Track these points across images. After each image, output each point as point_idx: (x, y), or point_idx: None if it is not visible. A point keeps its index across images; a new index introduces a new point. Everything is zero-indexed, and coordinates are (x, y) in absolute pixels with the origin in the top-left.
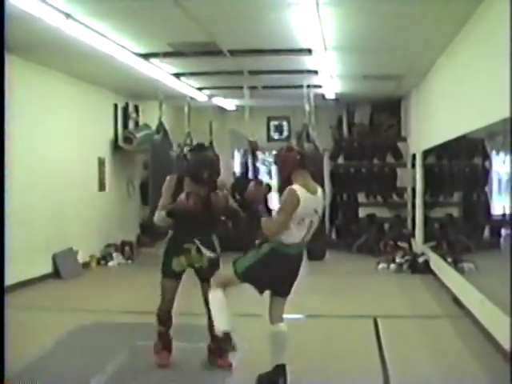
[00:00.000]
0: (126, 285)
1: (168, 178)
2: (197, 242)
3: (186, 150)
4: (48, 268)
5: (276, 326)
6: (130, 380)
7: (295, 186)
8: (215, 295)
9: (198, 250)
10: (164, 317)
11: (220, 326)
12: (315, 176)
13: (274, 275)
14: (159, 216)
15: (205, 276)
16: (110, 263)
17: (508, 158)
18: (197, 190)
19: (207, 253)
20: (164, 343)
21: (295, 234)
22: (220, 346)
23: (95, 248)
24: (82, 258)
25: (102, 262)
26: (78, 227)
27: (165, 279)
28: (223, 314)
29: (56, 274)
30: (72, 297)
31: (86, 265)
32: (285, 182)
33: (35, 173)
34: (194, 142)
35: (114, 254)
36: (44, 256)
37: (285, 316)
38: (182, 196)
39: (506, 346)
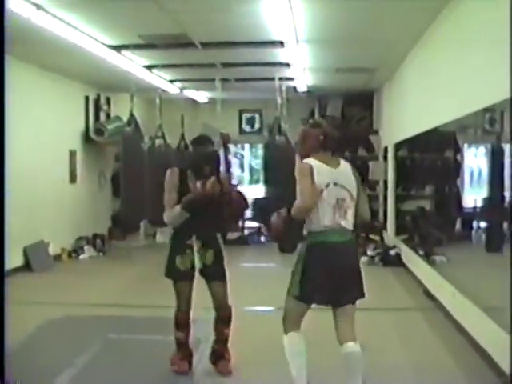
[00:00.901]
0: (98, 278)
1: (168, 172)
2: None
3: (188, 142)
4: (19, 261)
5: (346, 347)
6: (102, 373)
7: (306, 160)
8: (287, 341)
9: (202, 246)
10: (181, 322)
11: (296, 382)
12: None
13: (328, 276)
14: (173, 213)
15: (210, 274)
16: (82, 256)
17: (479, 150)
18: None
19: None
20: (183, 352)
21: (322, 215)
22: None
23: (66, 241)
24: (53, 250)
25: (74, 254)
26: (49, 220)
27: (174, 282)
28: (299, 366)
29: (27, 266)
30: (43, 290)
31: (57, 257)
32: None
33: (6, 165)
34: (166, 135)
35: (86, 247)
36: (15, 249)
37: (255, 309)
38: (198, 185)
39: (477, 338)
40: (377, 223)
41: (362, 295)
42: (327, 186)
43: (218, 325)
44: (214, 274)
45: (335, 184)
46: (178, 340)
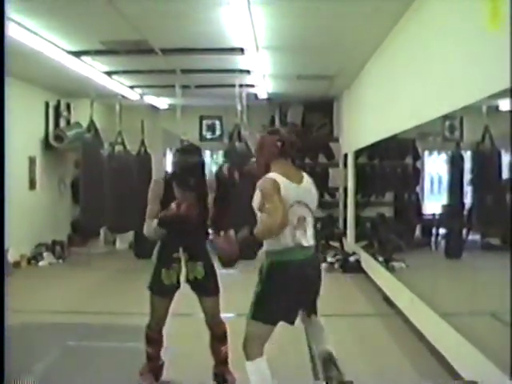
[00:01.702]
0: (57, 285)
1: (152, 182)
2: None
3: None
4: None
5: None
6: (61, 381)
7: (271, 174)
8: (253, 368)
9: (190, 258)
10: (153, 336)
11: None
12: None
13: (291, 295)
14: (149, 226)
15: (202, 289)
16: (41, 263)
17: (439, 157)
18: (186, 195)
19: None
20: (151, 366)
21: (283, 235)
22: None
23: (26, 247)
24: (12, 257)
25: (33, 261)
26: (8, 226)
27: (153, 296)
28: None
29: None
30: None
31: (16, 264)
32: (261, 173)
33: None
34: (126, 141)
35: (45, 254)
36: None
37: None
38: (173, 205)
39: (435, 343)
40: (337, 230)
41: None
42: (291, 206)
43: (213, 344)
44: (206, 289)
45: (298, 202)
46: (148, 354)
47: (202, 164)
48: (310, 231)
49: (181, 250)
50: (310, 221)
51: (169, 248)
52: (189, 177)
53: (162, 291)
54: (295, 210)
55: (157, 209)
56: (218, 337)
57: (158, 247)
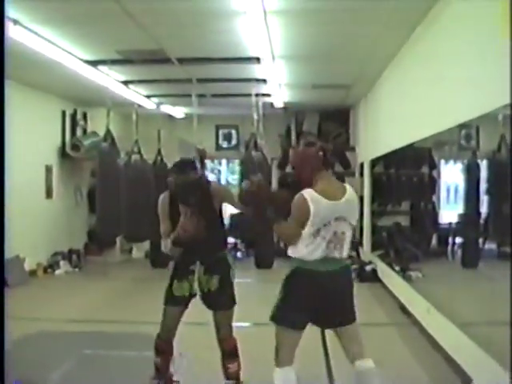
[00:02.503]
0: (73, 293)
1: (160, 198)
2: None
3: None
4: None
5: (357, 365)
6: None
7: (307, 191)
8: (278, 377)
9: (206, 271)
10: (160, 348)
11: None
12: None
13: (309, 301)
14: (166, 245)
15: (214, 302)
16: (57, 271)
17: (455, 166)
18: (189, 211)
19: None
20: (159, 376)
21: (315, 249)
22: None
23: (42, 256)
24: (28, 265)
25: (49, 270)
26: (24, 235)
27: (165, 305)
28: None
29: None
30: (18, 305)
31: (32, 273)
32: (304, 185)
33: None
34: (142, 150)
35: (62, 262)
36: None
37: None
38: (179, 227)
39: (452, 353)
40: (353, 239)
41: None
42: (326, 224)
43: (223, 360)
44: (218, 303)
45: (336, 219)
46: (156, 364)
47: (197, 178)
48: (346, 245)
49: (198, 262)
50: (348, 235)
51: (186, 260)
52: (186, 194)
53: (172, 301)
54: (330, 227)
55: (167, 226)
56: (227, 353)
57: (176, 258)
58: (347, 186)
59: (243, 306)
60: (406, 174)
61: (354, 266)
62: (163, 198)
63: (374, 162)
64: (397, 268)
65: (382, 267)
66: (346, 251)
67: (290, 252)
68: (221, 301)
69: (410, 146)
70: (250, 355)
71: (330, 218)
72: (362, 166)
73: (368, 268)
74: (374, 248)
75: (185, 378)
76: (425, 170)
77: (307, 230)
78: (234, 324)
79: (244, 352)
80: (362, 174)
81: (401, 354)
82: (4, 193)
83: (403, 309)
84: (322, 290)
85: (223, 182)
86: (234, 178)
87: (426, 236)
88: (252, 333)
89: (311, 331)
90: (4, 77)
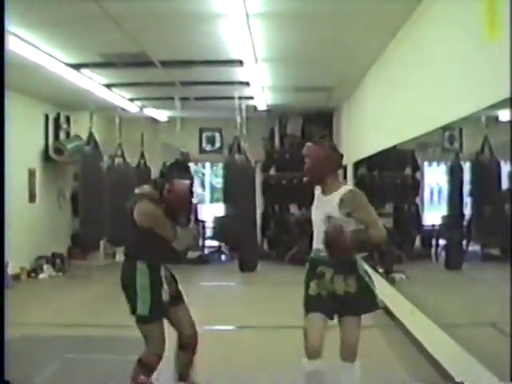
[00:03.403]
0: (57, 297)
1: (148, 207)
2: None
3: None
4: None
5: (342, 367)
6: None
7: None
8: (306, 366)
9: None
10: (154, 365)
11: None
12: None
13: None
14: (184, 241)
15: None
16: (41, 275)
17: (438, 168)
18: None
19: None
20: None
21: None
22: None
23: (25, 260)
24: (12, 270)
25: (33, 274)
26: (7, 239)
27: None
28: None
29: None
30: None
31: (16, 277)
32: (314, 182)
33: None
34: (126, 154)
35: (45, 266)
36: None
37: (214, 328)
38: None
39: (435, 354)
40: None
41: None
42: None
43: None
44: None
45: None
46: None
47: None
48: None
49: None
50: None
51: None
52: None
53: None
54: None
55: (172, 227)
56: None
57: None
58: (342, 186)
59: (227, 309)
60: (389, 176)
61: None
62: (152, 206)
63: (358, 165)
64: (380, 270)
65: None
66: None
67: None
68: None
69: (393, 148)
70: (234, 359)
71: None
72: (345, 168)
73: None
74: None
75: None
76: (408, 172)
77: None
78: (218, 327)
79: (227, 356)
80: (345, 177)
81: (385, 356)
82: (4, 195)
83: (387, 311)
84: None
85: (207, 185)
86: (218, 182)
87: (409, 238)
88: (235, 336)
89: (290, 335)
90: (4, 88)
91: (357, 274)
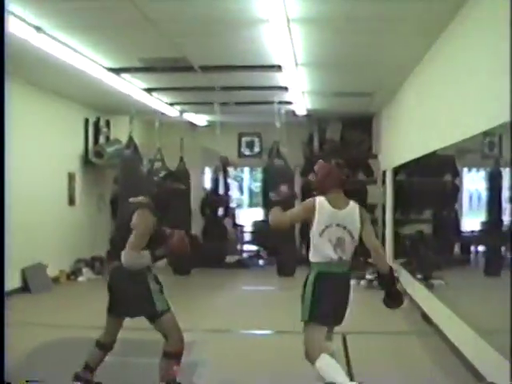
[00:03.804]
0: (96, 300)
1: (145, 214)
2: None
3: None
4: (17, 282)
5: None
6: None
7: (317, 198)
8: (321, 364)
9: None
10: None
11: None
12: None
13: (333, 301)
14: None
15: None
16: (80, 278)
17: (478, 174)
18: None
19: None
20: None
21: (323, 249)
22: None
23: (65, 263)
24: (51, 272)
25: (72, 276)
26: (47, 242)
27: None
28: (343, 377)
29: (25, 288)
30: (40, 312)
31: (55, 279)
32: (318, 192)
33: (4, 187)
34: (165, 158)
35: (84, 269)
36: (13, 270)
37: (253, 332)
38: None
39: (473, 361)
40: None
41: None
42: (328, 226)
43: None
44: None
45: (337, 225)
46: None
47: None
48: (348, 250)
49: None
50: (348, 241)
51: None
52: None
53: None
54: (333, 231)
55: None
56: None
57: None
58: (351, 202)
59: (266, 314)
60: (428, 182)
61: (377, 274)
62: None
63: (397, 170)
64: (419, 276)
65: (404, 275)
66: (348, 255)
67: (311, 257)
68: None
69: (433, 154)
70: (272, 363)
71: (331, 222)
72: (384, 173)
73: None
74: (396, 256)
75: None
76: (447, 177)
77: (314, 229)
78: (256, 332)
79: (265, 360)
80: (384, 182)
81: (423, 362)
82: (4, 196)
83: (425, 317)
84: (337, 289)
85: (245, 189)
86: (257, 186)
87: (448, 244)
88: (273, 341)
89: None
90: (4, 86)
91: None
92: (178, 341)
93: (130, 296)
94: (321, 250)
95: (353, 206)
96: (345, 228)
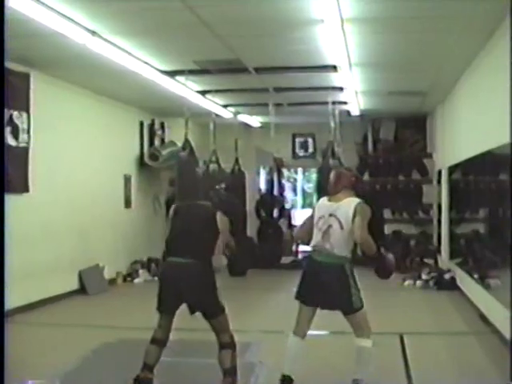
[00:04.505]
0: (152, 302)
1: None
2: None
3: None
4: (74, 284)
5: (356, 341)
6: None
7: (323, 198)
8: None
9: None
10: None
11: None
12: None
13: (311, 283)
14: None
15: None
16: (136, 280)
17: None
18: None
19: None
20: None
21: (315, 237)
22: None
23: (121, 265)
24: (108, 274)
25: (128, 278)
26: (104, 244)
27: None
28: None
29: (82, 290)
30: (98, 313)
31: (112, 281)
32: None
33: (61, 190)
34: (220, 159)
35: (140, 271)
36: (70, 272)
37: (309, 332)
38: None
39: None
40: (431, 247)
41: (349, 310)
42: (321, 217)
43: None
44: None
45: (330, 215)
46: None
47: None
48: (335, 237)
49: None
50: (336, 228)
51: None
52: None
53: None
54: (325, 220)
55: None
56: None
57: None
58: (351, 198)
59: (320, 314)
60: (484, 181)
61: (433, 274)
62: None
63: (452, 169)
64: (476, 276)
65: (460, 275)
66: (335, 245)
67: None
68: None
69: (489, 153)
70: (328, 363)
71: (324, 212)
72: (439, 173)
73: (447, 276)
74: (452, 256)
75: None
76: (503, 176)
77: (314, 222)
78: (311, 332)
79: (322, 360)
80: (439, 182)
81: (481, 363)
82: (4, 197)
83: (483, 317)
84: (316, 276)
85: (299, 190)
86: (310, 187)
87: (504, 243)
88: (329, 341)
89: (389, 341)
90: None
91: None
92: (231, 335)
93: (199, 293)
94: (313, 239)
95: (350, 201)
96: (335, 217)
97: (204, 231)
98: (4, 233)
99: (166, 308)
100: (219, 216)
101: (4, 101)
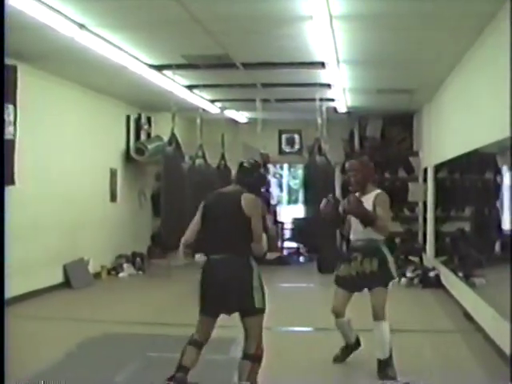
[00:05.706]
0: (137, 296)
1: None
2: None
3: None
4: (59, 278)
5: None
6: None
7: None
8: (386, 327)
9: None
10: None
11: None
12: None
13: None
14: None
15: None
16: (121, 274)
17: None
18: None
19: None
20: None
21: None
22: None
23: (106, 259)
24: (93, 268)
25: (113, 272)
26: (89, 238)
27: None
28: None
29: (67, 283)
30: (82, 307)
31: (96, 275)
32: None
33: (47, 183)
34: (207, 155)
35: (125, 265)
36: (55, 266)
37: (294, 329)
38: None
39: None
40: (416, 245)
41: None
42: None
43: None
44: None
45: None
46: None
47: None
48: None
49: None
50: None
51: None
52: None
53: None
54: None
55: None
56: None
57: None
58: (374, 191)
59: (306, 310)
60: (469, 180)
61: (417, 272)
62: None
63: (438, 168)
64: (460, 274)
65: (445, 273)
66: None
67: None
68: None
69: (474, 152)
70: (314, 360)
71: None
72: (425, 171)
73: (431, 274)
74: (437, 254)
75: None
76: (489, 175)
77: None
78: (296, 329)
79: (306, 357)
80: (425, 180)
81: (465, 361)
82: (4, 195)
83: (467, 315)
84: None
85: (285, 186)
86: (295, 183)
87: (489, 242)
88: (313, 338)
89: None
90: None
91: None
92: (260, 344)
93: (234, 290)
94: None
95: (371, 195)
96: None
97: (232, 221)
98: (4, 225)
99: (211, 311)
100: (244, 198)
101: (4, 99)
